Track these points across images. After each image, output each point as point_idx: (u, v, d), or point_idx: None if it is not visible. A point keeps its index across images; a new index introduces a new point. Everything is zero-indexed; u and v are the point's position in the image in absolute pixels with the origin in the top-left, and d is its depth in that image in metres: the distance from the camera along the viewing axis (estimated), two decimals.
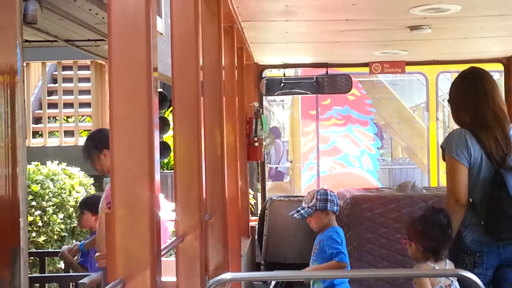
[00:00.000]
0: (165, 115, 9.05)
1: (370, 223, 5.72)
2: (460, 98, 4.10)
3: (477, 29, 5.39)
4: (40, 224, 7.29)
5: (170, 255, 4.59)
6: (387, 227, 5.73)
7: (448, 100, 4.32)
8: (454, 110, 4.16)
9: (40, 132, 10.97)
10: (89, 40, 7.24)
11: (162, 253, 2.41)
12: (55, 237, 7.42)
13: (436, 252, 3.64)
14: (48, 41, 7.26)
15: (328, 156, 14.06)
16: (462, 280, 3.41)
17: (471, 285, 2.72)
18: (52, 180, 7.64)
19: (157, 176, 2.10)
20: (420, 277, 3.66)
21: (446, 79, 13.20)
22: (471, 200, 3.91)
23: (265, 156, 6.80)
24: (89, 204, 5.79)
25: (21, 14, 1.35)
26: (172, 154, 5.69)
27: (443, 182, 11.65)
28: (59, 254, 5.81)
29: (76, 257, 5.74)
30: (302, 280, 4.92)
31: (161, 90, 8.37)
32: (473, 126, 3.97)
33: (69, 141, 10.56)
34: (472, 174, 3.88)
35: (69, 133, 11.11)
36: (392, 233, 5.71)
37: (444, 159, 4.01)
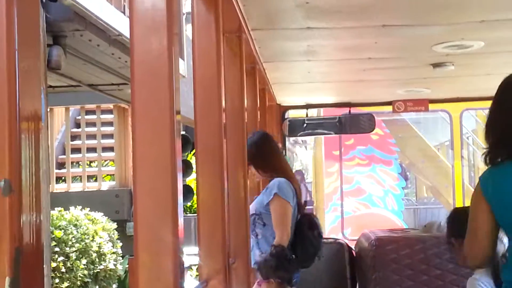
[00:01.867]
0: (188, 158, 9.05)
1: (395, 265, 5.64)
2: None
3: (500, 64, 5.35)
4: (63, 270, 7.28)
5: None
6: (413, 269, 5.64)
7: None
8: None
9: (63, 178, 11.00)
10: (112, 84, 7.30)
11: None
12: (78, 283, 7.39)
13: None
14: (71, 86, 7.33)
15: (352, 196, 13.97)
16: None
17: None
18: (75, 225, 7.64)
19: (181, 220, 2.07)
20: None
21: (470, 116, 13.14)
22: None
23: None
24: None
25: (45, 60, 1.35)
26: (195, 197, 5.68)
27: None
28: None
29: None
30: None
31: (183, 132, 8.39)
32: None
33: (92, 186, 10.58)
34: None
35: (92, 178, 11.13)
36: (418, 275, 5.62)
37: None
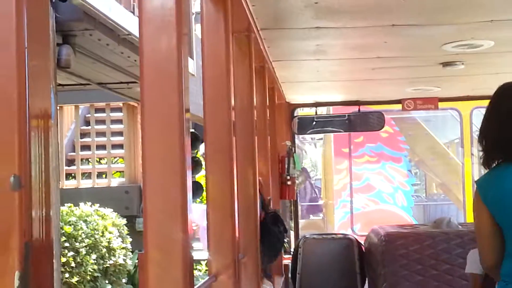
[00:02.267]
0: (197, 156, 9.08)
1: (405, 261, 5.65)
2: None
3: (510, 63, 5.35)
4: (73, 265, 7.32)
5: None
6: (423, 264, 5.65)
7: None
8: None
9: (73, 174, 11.06)
10: (121, 82, 7.33)
11: None
12: (88, 277, 7.44)
13: None
14: (81, 84, 7.37)
15: (362, 193, 13.97)
16: None
17: None
18: (85, 221, 7.68)
19: (190, 217, 2.10)
20: None
21: (480, 115, 13.09)
22: None
23: (298, 194, 6.78)
24: None
25: (55, 59, 1.38)
26: (204, 194, 5.71)
27: None
28: None
29: None
30: None
31: (193, 130, 8.42)
32: None
33: (101, 183, 10.62)
34: None
35: (101, 175, 11.18)
36: (428, 270, 5.63)
37: None
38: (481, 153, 3.18)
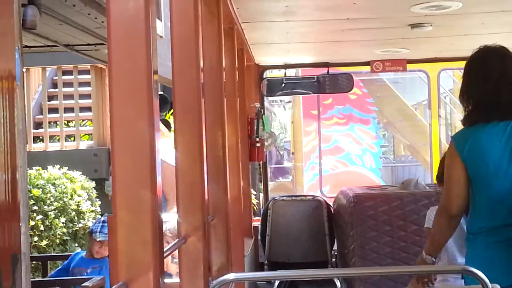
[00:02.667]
0: (166, 118, 9.04)
1: (373, 221, 5.72)
2: None
3: (478, 25, 5.38)
4: (42, 228, 7.30)
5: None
6: (391, 225, 5.72)
7: None
8: None
9: (41, 137, 10.96)
10: (88, 44, 7.24)
11: (165, 254, 2.40)
12: (57, 241, 7.42)
13: None
14: (47, 46, 7.26)
15: (330, 155, 14.06)
16: None
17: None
18: (53, 184, 7.64)
19: (159, 179, 2.09)
20: None
21: (447, 77, 13.18)
22: None
23: (267, 156, 6.80)
24: None
25: (20, 19, 1.35)
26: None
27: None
28: None
29: None
30: (305, 279, 4.90)
31: (161, 92, 8.37)
32: None
33: (70, 146, 10.55)
34: None
35: (70, 138, 11.10)
36: (396, 231, 5.71)
37: None
38: (465, 113, 3.41)
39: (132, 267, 2.01)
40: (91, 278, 3.76)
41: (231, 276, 2.59)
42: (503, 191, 3.19)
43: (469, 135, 3.30)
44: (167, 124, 7.47)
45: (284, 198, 6.63)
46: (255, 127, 6.06)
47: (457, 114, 14.48)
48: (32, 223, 7.23)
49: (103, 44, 7.09)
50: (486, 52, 3.46)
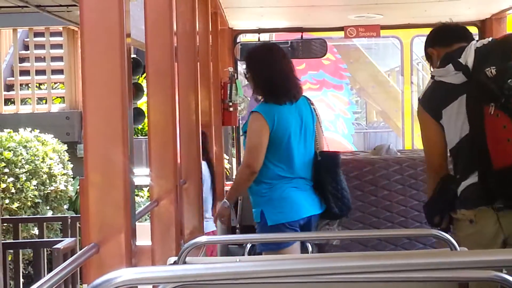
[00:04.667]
0: (139, 81, 9.00)
1: None
2: None
3: None
4: (13, 191, 7.28)
5: (146, 220, 4.61)
6: (362, 190, 5.77)
7: None
8: None
9: (12, 99, 10.87)
10: (60, 5, 7.16)
11: (137, 217, 2.42)
12: (29, 203, 7.41)
13: None
14: (18, 6, 7.17)
15: None
16: None
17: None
18: (25, 147, 7.60)
19: (131, 142, 2.10)
20: None
21: (420, 43, 13.21)
22: None
23: (240, 120, 6.81)
24: None
25: None
26: (146, 120, 5.69)
27: (418, 145, 11.77)
28: None
29: None
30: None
31: (134, 56, 8.32)
32: None
33: (41, 108, 10.47)
34: None
35: (41, 100, 11.01)
36: (367, 196, 5.76)
37: None
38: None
39: (103, 229, 2.02)
40: (62, 240, 3.77)
41: (203, 238, 2.62)
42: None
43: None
44: (139, 87, 7.45)
45: None
46: (228, 92, 6.05)
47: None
48: (3, 185, 7.20)
49: (75, 5, 7.02)
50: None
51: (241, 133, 4.86)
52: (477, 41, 3.45)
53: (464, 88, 3.33)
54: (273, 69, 4.28)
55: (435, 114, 3.45)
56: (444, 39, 3.64)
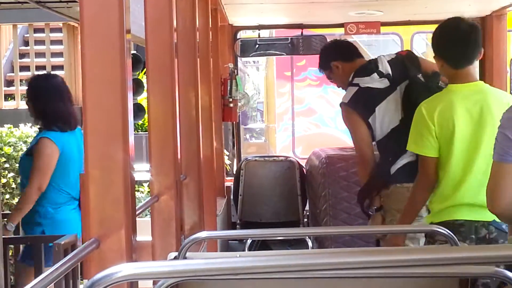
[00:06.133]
0: (139, 77, 9.00)
1: (345, 182, 5.77)
2: None
3: None
4: (13, 186, 7.28)
5: (146, 215, 4.61)
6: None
7: None
8: None
9: (12, 95, 10.87)
10: (60, 1, 7.15)
11: (137, 213, 2.42)
12: None
13: None
14: (18, 2, 7.16)
15: (303, 117, 14.08)
16: None
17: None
18: (25, 142, 7.60)
19: (131, 137, 2.10)
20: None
21: (421, 40, 13.21)
22: None
23: (240, 116, 6.82)
24: None
25: None
26: (146, 116, 5.70)
27: None
28: None
29: None
30: (277, 238, 4.96)
31: (134, 52, 8.32)
32: None
33: None
34: None
35: None
36: None
37: None
38: None
39: (104, 224, 2.02)
40: (63, 235, 3.78)
41: (203, 234, 2.62)
42: None
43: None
44: (139, 83, 7.45)
45: (256, 158, 6.66)
46: (228, 88, 6.06)
47: None
48: (3, 180, 7.21)
49: (75, 1, 7.01)
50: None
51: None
52: (382, 56, 4.27)
53: (388, 91, 4.10)
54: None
55: (366, 114, 4.10)
56: (349, 55, 4.35)
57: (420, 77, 4.09)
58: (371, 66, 4.19)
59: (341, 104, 4.22)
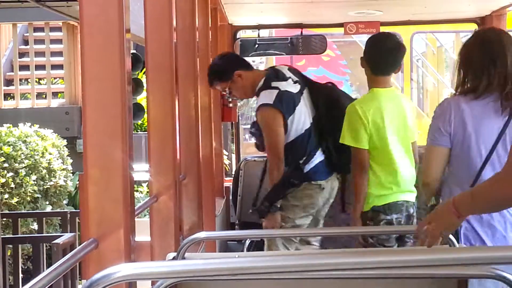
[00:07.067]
0: (139, 77, 9.00)
1: None
2: None
3: None
4: (12, 185, 7.28)
5: (145, 215, 4.61)
6: None
7: None
8: None
9: (12, 94, 10.86)
10: (60, 0, 7.15)
11: (136, 213, 2.42)
12: (28, 198, 7.40)
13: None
14: (18, 1, 7.17)
15: None
16: None
17: None
18: (24, 142, 7.60)
19: (130, 137, 2.10)
20: None
21: (420, 40, 13.21)
22: None
23: (239, 116, 6.81)
24: None
25: None
26: (146, 115, 5.70)
27: (418, 141, 11.71)
28: None
29: None
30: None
31: (134, 51, 8.32)
32: None
33: (41, 103, 10.46)
34: None
35: (41, 95, 11.01)
36: None
37: None
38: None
39: (103, 225, 2.02)
40: (61, 235, 3.78)
41: (202, 234, 2.62)
42: None
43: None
44: (139, 83, 7.44)
45: (256, 158, 6.65)
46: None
47: (429, 78, 14.56)
48: (2, 180, 7.20)
49: (75, 0, 7.01)
50: None
51: None
52: (276, 66, 4.71)
53: (299, 94, 4.52)
54: None
55: (287, 114, 4.40)
56: (248, 64, 4.72)
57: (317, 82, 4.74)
58: (283, 72, 4.58)
59: (264, 105, 4.44)
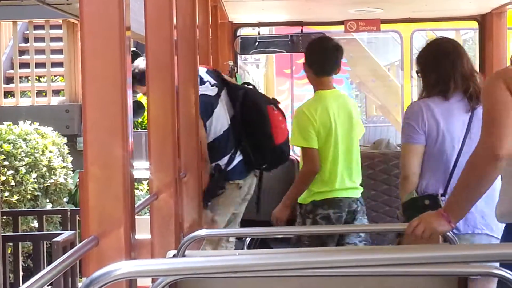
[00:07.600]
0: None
1: None
2: None
3: None
4: (12, 183, 7.27)
5: (145, 213, 4.61)
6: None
7: None
8: None
9: (12, 92, 10.86)
10: None
11: (136, 210, 2.42)
12: (28, 196, 7.40)
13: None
14: None
15: None
16: None
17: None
18: (24, 139, 7.60)
19: (130, 135, 2.10)
20: None
21: (420, 37, 13.19)
22: None
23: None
24: None
25: None
26: (146, 113, 5.69)
27: None
28: None
29: None
30: (276, 236, 4.98)
31: (134, 49, 8.31)
32: None
33: (41, 101, 10.46)
34: None
35: (41, 93, 11.00)
36: (367, 191, 5.76)
37: None
38: None
39: (103, 222, 2.02)
40: (62, 233, 3.78)
41: (202, 232, 2.62)
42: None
43: None
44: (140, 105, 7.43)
45: None
46: None
47: None
48: (2, 178, 7.20)
49: None
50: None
51: None
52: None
53: (217, 97, 4.68)
54: None
55: (206, 117, 4.53)
56: None
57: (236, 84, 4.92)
58: (201, 76, 4.63)
59: None
